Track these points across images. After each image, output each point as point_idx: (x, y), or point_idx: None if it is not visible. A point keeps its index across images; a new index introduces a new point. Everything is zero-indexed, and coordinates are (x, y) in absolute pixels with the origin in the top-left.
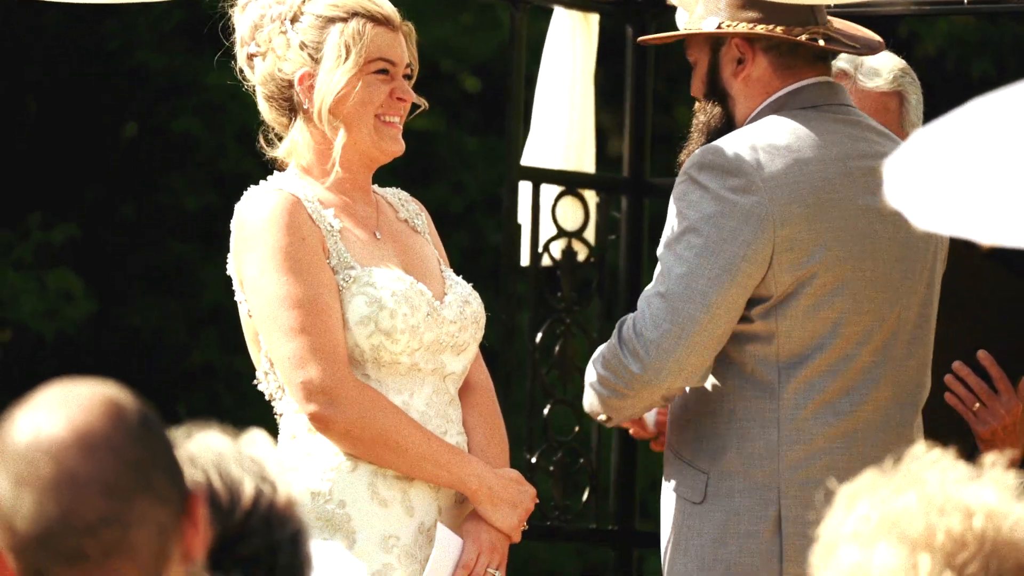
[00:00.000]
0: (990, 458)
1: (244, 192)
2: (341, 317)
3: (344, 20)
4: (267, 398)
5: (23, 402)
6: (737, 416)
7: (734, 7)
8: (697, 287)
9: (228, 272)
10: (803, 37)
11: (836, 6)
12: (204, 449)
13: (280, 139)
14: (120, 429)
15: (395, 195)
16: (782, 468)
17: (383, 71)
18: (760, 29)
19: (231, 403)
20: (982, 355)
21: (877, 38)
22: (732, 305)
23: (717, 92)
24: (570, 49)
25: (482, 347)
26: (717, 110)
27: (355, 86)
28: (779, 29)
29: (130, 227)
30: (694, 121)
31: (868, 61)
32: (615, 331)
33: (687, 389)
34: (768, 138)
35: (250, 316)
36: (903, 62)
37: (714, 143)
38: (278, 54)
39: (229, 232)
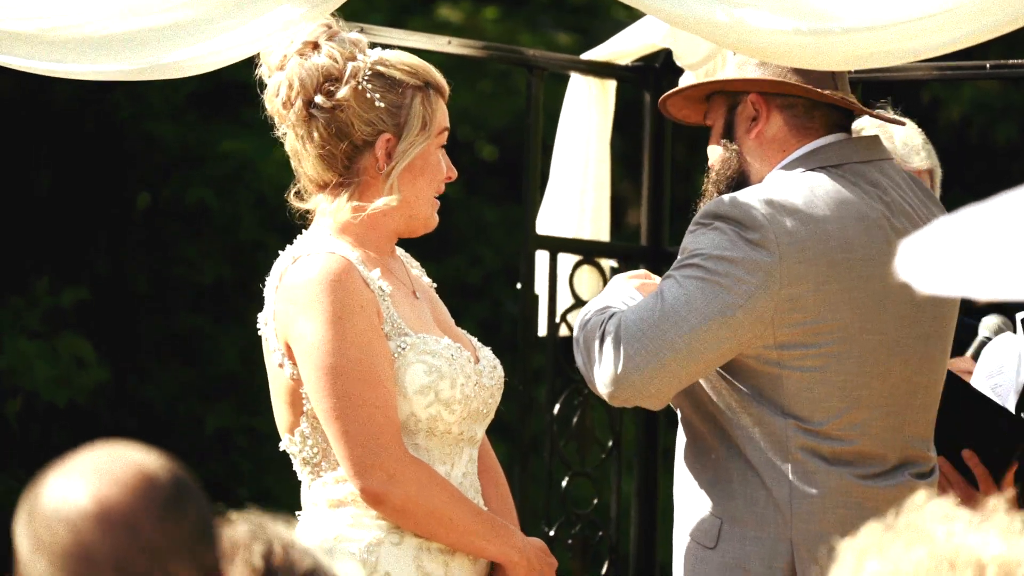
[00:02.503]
0: (993, 501)
1: (265, 259)
2: (395, 388)
3: (422, 88)
4: (299, 461)
5: (63, 461)
6: (749, 465)
7: (756, 68)
8: (687, 317)
9: (260, 331)
10: (825, 92)
11: (858, 72)
12: (260, 531)
13: (306, 190)
14: (145, 509)
15: (399, 252)
16: (794, 521)
17: (442, 144)
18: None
19: (250, 470)
20: (966, 455)
21: (899, 120)
22: (717, 348)
23: (731, 150)
24: (587, 116)
25: (498, 416)
26: (731, 167)
27: (427, 158)
28: (793, 78)
29: (142, 298)
30: (707, 179)
31: (902, 139)
32: (605, 320)
33: (702, 437)
34: (784, 195)
35: (292, 379)
36: (921, 134)
37: (730, 195)
38: (358, 113)
39: (243, 302)
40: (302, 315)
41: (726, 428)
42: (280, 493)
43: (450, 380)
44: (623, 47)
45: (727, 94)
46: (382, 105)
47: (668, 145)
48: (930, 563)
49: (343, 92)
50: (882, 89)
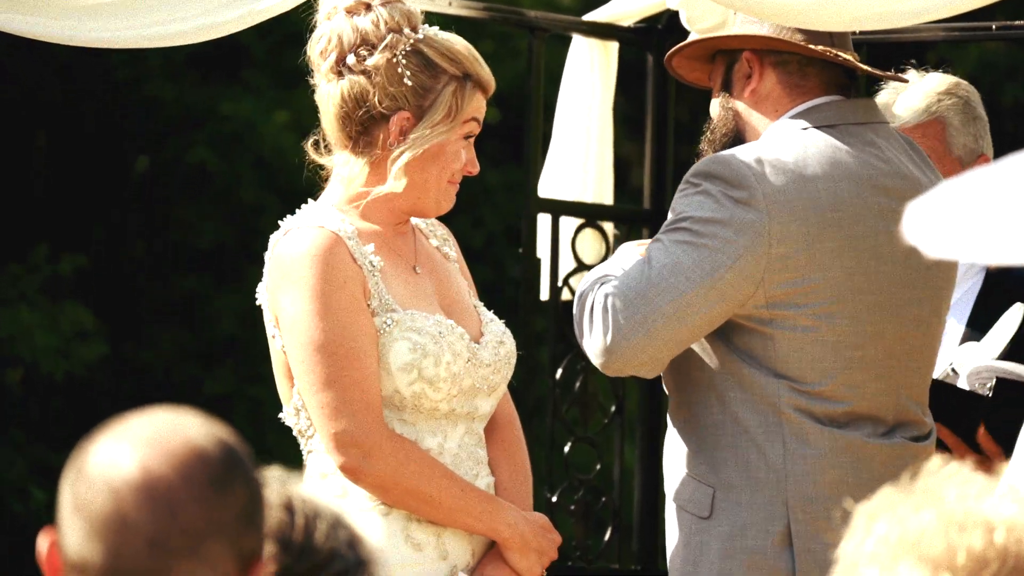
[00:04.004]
0: (1006, 467)
1: (276, 223)
2: (377, 364)
3: (458, 79)
4: (295, 433)
5: (120, 420)
6: (741, 429)
7: (752, 25)
8: (675, 283)
9: (258, 302)
10: (815, 48)
11: (863, 33)
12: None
13: (327, 144)
14: (189, 487)
15: (422, 220)
16: (789, 482)
17: (469, 135)
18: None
19: (250, 434)
20: (981, 435)
21: (902, 78)
22: (707, 311)
23: (727, 108)
24: (589, 78)
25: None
26: (727, 126)
27: (444, 147)
28: (797, 37)
29: (141, 261)
30: (703, 137)
31: (902, 96)
32: (595, 289)
33: (693, 402)
34: (775, 153)
35: (283, 351)
36: (944, 83)
37: (720, 154)
38: (383, 84)
39: (243, 265)
40: (286, 289)
41: (717, 391)
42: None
43: (434, 358)
44: (626, 8)
45: (727, 52)
46: (409, 83)
47: (671, 107)
48: (938, 525)
49: (374, 59)
50: (887, 50)
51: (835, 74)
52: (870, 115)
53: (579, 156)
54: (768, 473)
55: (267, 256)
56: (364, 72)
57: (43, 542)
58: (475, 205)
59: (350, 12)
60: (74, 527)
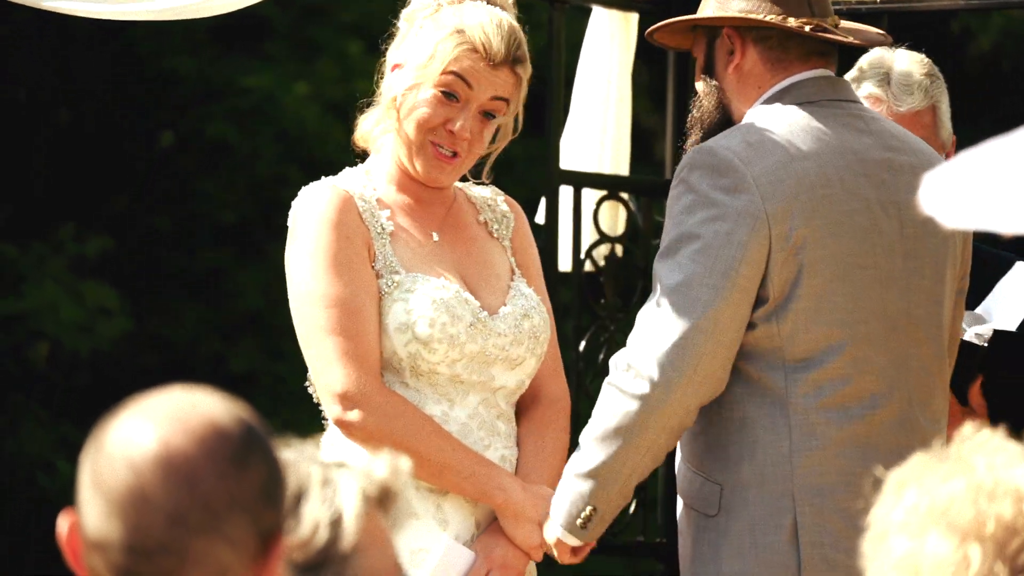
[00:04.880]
0: None
1: (289, 195)
2: (378, 321)
3: (450, 32)
4: (315, 400)
5: (139, 398)
6: (747, 424)
7: (736, 4)
8: (698, 296)
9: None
10: (792, 23)
11: (883, 2)
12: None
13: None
14: (209, 462)
15: (483, 193)
16: (795, 475)
17: (452, 95)
18: (750, 15)
19: (272, 410)
20: (974, 391)
21: (881, 33)
22: (736, 311)
23: (712, 86)
24: (608, 49)
25: None
26: (713, 104)
27: (418, 95)
28: (769, 17)
29: (164, 236)
30: (690, 116)
31: (897, 80)
32: (612, 370)
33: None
34: (761, 133)
35: None
36: (927, 65)
37: (706, 142)
38: (401, 36)
39: (265, 239)
40: (292, 244)
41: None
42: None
43: (429, 320)
44: None
45: (706, 28)
46: (412, 38)
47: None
48: (967, 493)
49: (405, 12)
50: (908, 19)
51: (815, 43)
52: (849, 93)
53: (597, 127)
54: (775, 468)
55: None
56: (396, 29)
57: (63, 524)
58: (498, 177)
59: None
60: (94, 505)
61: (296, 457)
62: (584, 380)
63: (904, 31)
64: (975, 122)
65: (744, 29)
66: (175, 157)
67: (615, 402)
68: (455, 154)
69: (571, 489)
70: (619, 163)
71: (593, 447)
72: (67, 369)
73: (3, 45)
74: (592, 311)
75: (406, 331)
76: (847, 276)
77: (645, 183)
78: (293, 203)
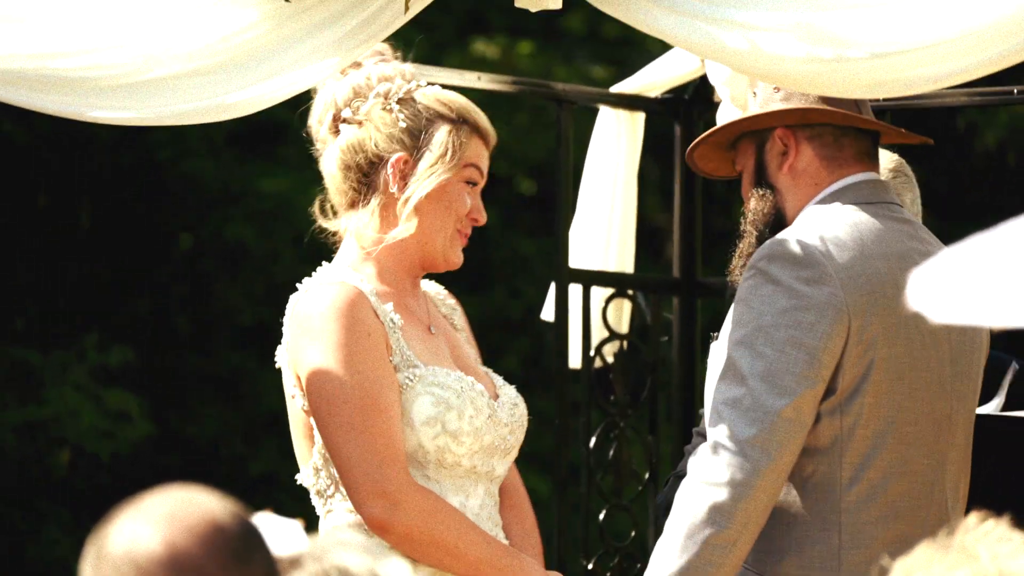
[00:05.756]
0: None
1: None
2: (401, 418)
3: (453, 121)
4: (313, 493)
5: (131, 502)
6: (798, 520)
7: (780, 102)
8: (784, 384)
9: (277, 365)
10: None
11: (885, 100)
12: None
13: (335, 212)
14: (213, 558)
15: (431, 288)
16: (842, 572)
17: (472, 182)
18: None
19: (293, 510)
20: None
21: (925, 139)
22: (816, 401)
23: (765, 188)
24: (616, 148)
25: (536, 448)
26: (767, 205)
27: (446, 189)
28: (827, 108)
29: (184, 338)
30: (744, 220)
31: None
32: (691, 465)
33: None
34: (833, 230)
35: (304, 411)
36: (894, 162)
37: (780, 235)
38: (378, 128)
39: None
40: (309, 344)
41: None
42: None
43: (457, 412)
44: (652, 79)
45: (754, 135)
46: (404, 125)
47: (699, 176)
48: None
49: (367, 106)
50: (912, 116)
51: (866, 144)
52: (892, 194)
53: (604, 225)
54: (823, 564)
55: (286, 318)
56: (359, 122)
57: None
58: (512, 276)
59: (342, 73)
60: None
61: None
62: (595, 476)
63: (908, 128)
64: (980, 217)
65: (798, 128)
66: (195, 260)
67: (701, 494)
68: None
69: None
70: (624, 261)
71: (677, 545)
72: (89, 473)
73: (25, 151)
74: (602, 408)
75: (435, 424)
76: (905, 377)
77: (653, 280)
78: (299, 305)
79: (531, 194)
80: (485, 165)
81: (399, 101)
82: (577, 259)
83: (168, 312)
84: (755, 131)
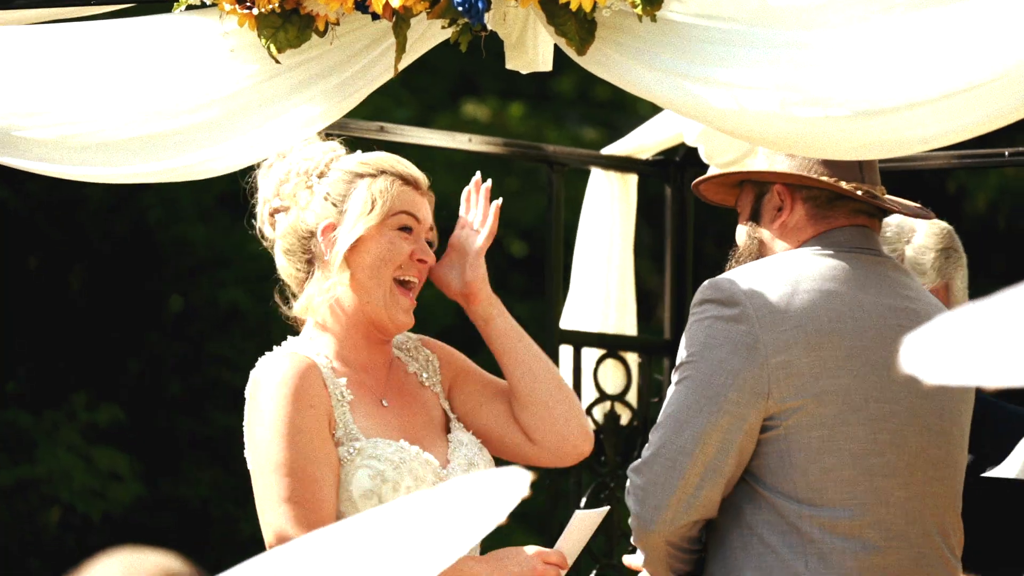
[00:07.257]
0: None
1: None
2: (334, 493)
3: (373, 176)
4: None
5: (90, 564)
6: (764, 547)
7: (784, 159)
8: (685, 420)
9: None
10: (844, 186)
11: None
12: None
13: (296, 298)
14: None
15: (406, 344)
16: None
17: (406, 228)
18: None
19: None
20: None
21: (923, 208)
22: (725, 436)
23: (755, 232)
24: (608, 210)
25: (528, 507)
26: (752, 252)
27: (377, 240)
28: (823, 178)
29: (175, 400)
30: (729, 263)
31: (911, 258)
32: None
33: (718, 524)
34: (771, 270)
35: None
36: (945, 238)
37: (716, 278)
38: (301, 206)
39: None
40: (253, 411)
41: (740, 512)
42: None
43: (392, 484)
44: (643, 141)
45: (755, 183)
46: (325, 193)
47: (690, 238)
48: None
49: (290, 187)
50: (902, 178)
51: (862, 206)
52: (876, 243)
53: (600, 287)
54: None
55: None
56: (286, 208)
57: None
58: None
59: (269, 168)
60: None
61: None
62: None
63: (898, 189)
64: (971, 279)
65: (795, 187)
66: (186, 322)
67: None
68: (417, 281)
69: None
70: (624, 322)
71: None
72: (80, 533)
73: (16, 215)
74: (592, 469)
75: (372, 498)
76: (861, 409)
77: (645, 342)
78: (254, 372)
79: (522, 256)
80: (422, 211)
81: (319, 175)
82: (574, 321)
83: (159, 374)
84: (758, 181)
